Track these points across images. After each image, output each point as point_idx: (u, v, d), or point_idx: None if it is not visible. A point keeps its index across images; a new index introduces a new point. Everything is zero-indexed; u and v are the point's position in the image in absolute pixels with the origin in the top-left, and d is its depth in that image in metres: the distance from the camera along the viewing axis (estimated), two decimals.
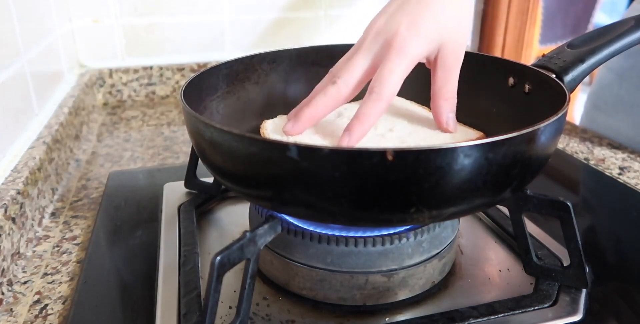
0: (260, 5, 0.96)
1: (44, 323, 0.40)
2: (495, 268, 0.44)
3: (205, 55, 0.98)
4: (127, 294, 0.42)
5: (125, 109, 0.92)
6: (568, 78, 0.42)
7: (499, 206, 0.50)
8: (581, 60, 0.43)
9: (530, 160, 0.33)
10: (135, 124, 0.85)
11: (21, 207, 0.49)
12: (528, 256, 0.41)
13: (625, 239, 0.50)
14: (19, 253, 0.47)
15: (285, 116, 0.49)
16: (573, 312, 0.38)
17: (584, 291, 0.40)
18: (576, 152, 0.69)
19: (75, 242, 0.51)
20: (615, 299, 0.40)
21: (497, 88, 0.48)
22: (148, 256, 0.46)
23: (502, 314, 0.38)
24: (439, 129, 0.44)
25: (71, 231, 0.53)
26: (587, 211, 0.56)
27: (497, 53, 1.13)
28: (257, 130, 0.48)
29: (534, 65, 0.45)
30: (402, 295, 0.40)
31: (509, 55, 1.13)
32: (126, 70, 0.94)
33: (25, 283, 0.45)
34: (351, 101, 0.43)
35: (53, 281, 0.45)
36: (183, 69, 0.96)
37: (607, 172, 0.63)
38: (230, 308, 0.39)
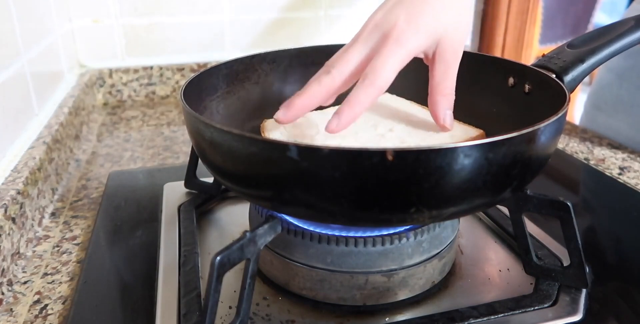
0: (260, 5, 0.97)
1: (44, 323, 0.40)
2: (495, 268, 0.44)
3: (205, 55, 0.98)
4: (127, 294, 0.42)
5: (125, 109, 0.92)
6: (568, 78, 0.42)
7: (499, 206, 0.50)
8: (581, 60, 0.43)
9: (530, 160, 0.33)
10: (135, 124, 0.85)
11: (21, 207, 0.49)
12: (528, 256, 0.41)
13: (625, 239, 0.50)
14: (19, 253, 0.47)
15: None
16: (573, 312, 0.38)
17: (584, 291, 0.40)
18: (576, 152, 0.69)
19: (75, 242, 0.51)
20: (615, 299, 0.40)
21: (497, 88, 0.48)
22: (148, 256, 0.46)
23: (502, 314, 0.38)
24: (439, 129, 0.44)
25: (71, 231, 0.53)
26: (587, 211, 0.56)
27: (497, 53, 1.13)
28: (257, 130, 0.48)
29: (534, 65, 0.45)
30: (402, 295, 0.40)
31: (509, 55, 1.13)
32: (126, 70, 0.94)
33: (25, 283, 0.45)
34: None
35: (53, 281, 0.45)
36: (183, 69, 0.96)
37: (607, 172, 0.63)
38: (230, 308, 0.39)
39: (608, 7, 2.81)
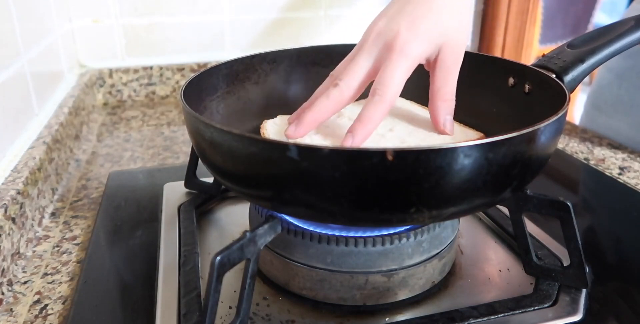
0: (260, 5, 0.97)
1: (44, 323, 0.40)
2: (495, 268, 0.44)
3: (205, 55, 0.98)
4: (127, 294, 0.42)
5: (125, 109, 0.92)
6: (568, 78, 0.42)
7: (499, 206, 0.50)
8: (581, 60, 0.43)
9: (530, 160, 0.33)
10: (135, 124, 0.85)
11: (21, 207, 0.49)
12: (528, 256, 0.41)
13: (625, 239, 0.50)
14: (19, 253, 0.47)
15: (285, 116, 0.49)
16: (573, 312, 0.38)
17: (584, 291, 0.40)
18: (576, 152, 0.69)
19: (75, 242, 0.51)
20: (615, 299, 0.40)
21: (497, 88, 0.48)
22: (148, 256, 0.46)
23: (502, 314, 0.38)
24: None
25: (71, 231, 0.53)
26: (587, 211, 0.56)
27: (497, 53, 1.13)
28: (257, 130, 0.48)
29: (534, 65, 0.45)
30: (402, 295, 0.40)
31: (509, 55, 1.13)
32: (126, 70, 0.94)
33: (25, 283, 0.45)
34: None
35: (53, 281, 0.45)
36: (183, 69, 0.96)
37: (607, 172, 0.63)
38: (230, 308, 0.39)
39: (608, 7, 2.81)
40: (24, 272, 0.46)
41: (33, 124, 0.64)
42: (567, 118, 0.52)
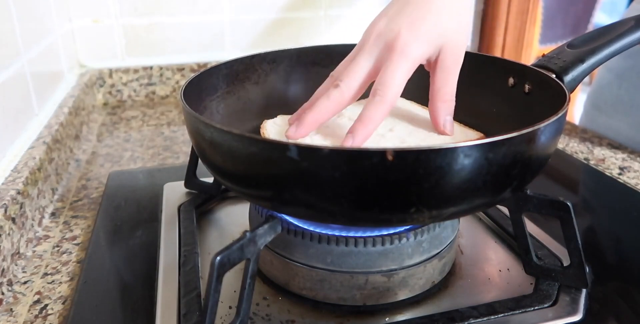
0: (260, 5, 0.97)
1: (44, 323, 0.40)
2: (495, 268, 0.44)
3: (205, 55, 0.98)
4: (127, 294, 0.42)
5: (125, 109, 0.93)
6: (568, 78, 0.42)
7: (499, 206, 0.50)
8: (581, 60, 0.43)
9: (530, 160, 0.33)
10: (135, 124, 0.85)
11: (21, 207, 0.49)
12: (528, 256, 0.41)
13: (625, 239, 0.50)
14: (19, 253, 0.47)
15: (285, 116, 0.49)
16: (573, 312, 0.38)
17: (584, 291, 0.40)
18: (576, 152, 0.69)
19: (75, 242, 0.51)
20: (615, 299, 0.40)
21: (497, 88, 0.48)
22: (148, 256, 0.46)
23: (502, 314, 0.38)
24: None
25: (71, 231, 0.53)
26: (587, 211, 0.56)
27: (497, 53, 1.13)
28: (257, 130, 0.48)
29: (534, 65, 0.45)
30: (402, 295, 0.40)
31: (509, 55, 1.13)
32: (126, 70, 0.94)
33: (25, 283, 0.45)
34: None
35: (53, 281, 0.45)
36: (183, 69, 0.96)
37: (607, 172, 0.63)
38: (230, 308, 0.39)
39: (608, 7, 2.81)
40: (24, 272, 0.46)
41: (33, 124, 0.64)
42: (567, 118, 0.52)
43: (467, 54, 0.44)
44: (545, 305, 0.39)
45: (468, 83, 0.45)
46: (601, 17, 2.52)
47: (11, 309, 0.41)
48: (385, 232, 0.38)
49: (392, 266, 0.39)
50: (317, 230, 0.39)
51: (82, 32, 0.92)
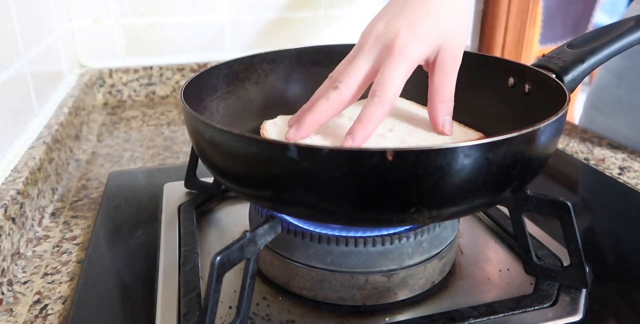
0: (260, 5, 0.97)
1: (44, 323, 0.40)
2: (495, 268, 0.44)
3: (205, 55, 0.98)
4: (127, 294, 0.42)
5: (125, 109, 0.93)
6: (568, 78, 0.42)
7: (499, 206, 0.50)
8: (581, 60, 0.43)
9: (530, 160, 0.33)
10: (135, 124, 0.85)
11: (21, 207, 0.49)
12: (528, 256, 0.41)
13: (625, 239, 0.50)
14: (19, 253, 0.47)
15: (285, 116, 0.49)
16: (573, 312, 0.38)
17: (584, 291, 0.40)
18: (576, 152, 0.69)
19: (75, 242, 0.51)
20: (615, 299, 0.40)
21: (497, 88, 0.48)
22: (148, 256, 0.46)
23: (502, 314, 0.38)
24: None
25: (71, 231, 0.53)
26: (587, 211, 0.56)
27: (497, 53, 1.13)
28: (257, 130, 0.48)
29: (534, 65, 0.45)
30: (402, 295, 0.40)
31: (509, 55, 1.13)
32: (126, 70, 0.94)
33: (25, 283, 0.45)
34: None
35: (53, 281, 0.45)
36: (183, 69, 0.96)
37: (607, 172, 0.63)
38: (230, 308, 0.39)
39: (608, 7, 2.81)
40: (24, 272, 0.46)
41: (33, 124, 0.64)
42: (567, 118, 0.52)
43: (467, 54, 0.44)
44: (545, 305, 0.39)
45: (468, 83, 0.45)
46: (601, 17, 2.52)
47: (11, 309, 0.41)
48: (385, 232, 0.38)
49: (392, 266, 0.39)
50: (317, 230, 0.39)
51: (82, 32, 0.92)
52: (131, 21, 0.93)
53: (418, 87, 0.44)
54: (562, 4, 2.27)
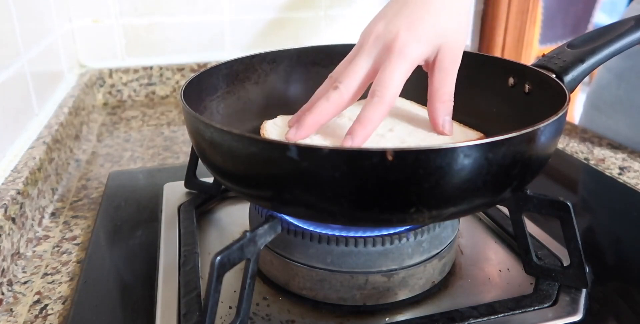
0: (260, 5, 0.97)
1: (44, 323, 0.40)
2: (495, 268, 0.44)
3: (205, 55, 0.98)
4: (127, 294, 0.42)
5: (125, 109, 0.93)
6: (568, 78, 0.42)
7: (499, 206, 0.50)
8: (581, 60, 0.43)
9: (530, 160, 0.33)
10: (135, 124, 0.85)
11: (21, 207, 0.49)
12: (528, 256, 0.41)
13: (625, 239, 0.50)
14: (19, 253, 0.47)
15: (285, 117, 0.49)
16: (573, 312, 0.38)
17: (584, 291, 0.40)
18: (576, 152, 0.69)
19: (75, 242, 0.51)
20: (615, 299, 0.40)
21: (497, 88, 0.48)
22: (148, 256, 0.46)
23: (502, 314, 0.38)
24: None
25: (71, 231, 0.53)
26: (587, 211, 0.56)
27: (497, 53, 1.13)
28: (257, 130, 0.48)
29: (534, 65, 0.45)
30: (402, 295, 0.40)
31: (509, 55, 1.13)
32: (126, 71, 0.94)
33: (25, 283, 0.45)
34: None
35: (53, 281, 0.45)
36: (183, 69, 0.96)
37: (607, 172, 0.63)
38: (230, 308, 0.39)
39: (608, 7, 2.80)
40: (24, 272, 0.46)
41: (33, 124, 0.64)
42: (567, 118, 0.52)
43: (467, 54, 0.44)
44: (545, 305, 0.39)
45: (468, 83, 0.45)
46: (601, 17, 2.52)
47: (11, 309, 0.41)
48: (385, 232, 0.38)
49: (392, 266, 0.39)
50: (317, 230, 0.39)
51: (82, 32, 0.92)
52: (131, 21, 0.93)
53: (418, 87, 0.44)
54: (562, 4, 2.27)
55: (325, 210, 0.33)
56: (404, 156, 0.29)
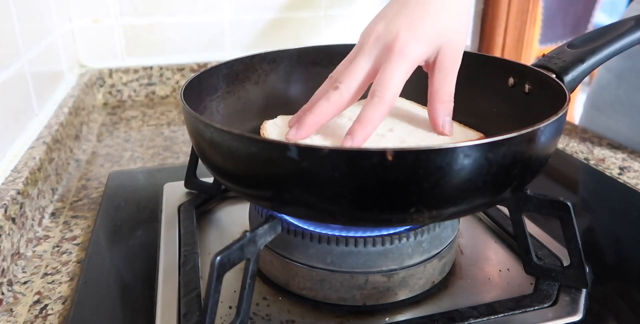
0: (260, 5, 0.97)
1: (44, 323, 0.40)
2: (495, 268, 0.44)
3: (205, 55, 0.98)
4: (127, 294, 0.42)
5: (125, 109, 0.93)
6: (568, 78, 0.42)
7: (499, 206, 0.50)
8: (581, 60, 0.43)
9: (530, 160, 0.33)
10: (135, 124, 0.85)
11: (21, 207, 0.49)
12: (528, 256, 0.41)
13: (625, 239, 0.50)
14: (19, 253, 0.47)
15: (285, 117, 0.49)
16: (573, 312, 0.38)
17: (584, 291, 0.40)
18: (576, 152, 0.69)
19: (75, 242, 0.51)
20: (615, 299, 0.40)
21: (497, 88, 0.48)
22: (148, 256, 0.46)
23: (502, 314, 0.38)
24: None
25: (71, 231, 0.53)
26: (587, 211, 0.56)
27: (497, 53, 1.13)
28: (257, 130, 0.48)
29: (534, 65, 0.45)
30: (402, 295, 0.40)
31: (509, 55, 1.13)
32: (126, 71, 0.94)
33: (25, 283, 0.45)
34: None
35: (53, 281, 0.45)
36: (183, 69, 0.96)
37: (607, 172, 0.63)
38: (230, 308, 0.39)
39: (608, 7, 2.80)
40: (24, 272, 0.46)
41: (33, 124, 0.64)
42: (567, 118, 0.52)
43: (467, 54, 0.44)
44: (545, 305, 0.39)
45: (468, 83, 0.45)
46: (601, 17, 2.52)
47: (11, 309, 0.41)
48: (385, 232, 0.38)
49: (392, 266, 0.39)
50: (317, 230, 0.39)
51: (82, 32, 0.92)
52: (131, 21, 0.93)
53: (418, 87, 0.44)
54: (562, 4, 2.27)
55: (325, 210, 0.33)
56: (404, 156, 0.29)
